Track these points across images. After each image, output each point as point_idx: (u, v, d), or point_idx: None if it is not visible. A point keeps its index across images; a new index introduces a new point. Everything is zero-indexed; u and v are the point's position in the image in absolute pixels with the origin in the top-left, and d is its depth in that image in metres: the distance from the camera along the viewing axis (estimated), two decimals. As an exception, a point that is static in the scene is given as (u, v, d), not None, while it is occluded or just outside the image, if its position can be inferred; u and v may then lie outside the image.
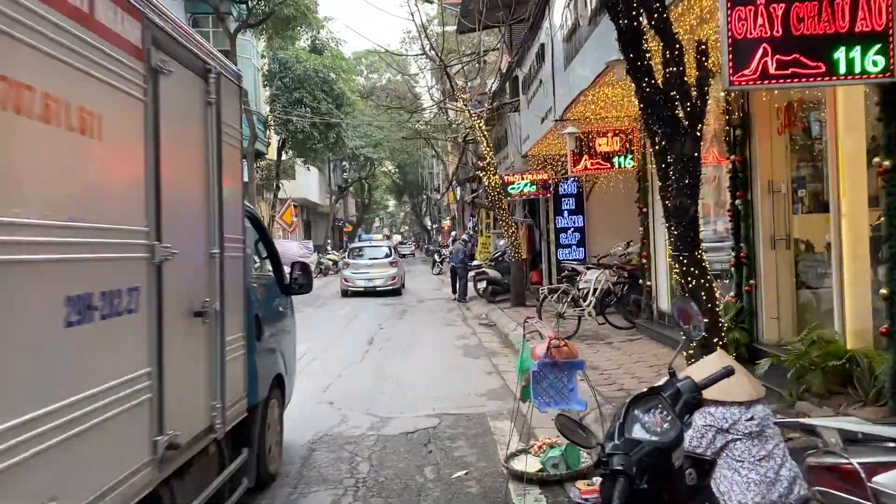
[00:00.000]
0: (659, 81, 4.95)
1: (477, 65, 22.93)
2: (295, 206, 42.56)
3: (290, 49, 27.34)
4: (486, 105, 18.31)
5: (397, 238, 78.97)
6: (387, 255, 23.67)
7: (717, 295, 5.07)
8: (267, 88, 27.81)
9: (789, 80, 4.94)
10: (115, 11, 2.85)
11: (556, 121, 11.49)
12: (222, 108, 4.07)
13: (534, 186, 16.51)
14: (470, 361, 10.60)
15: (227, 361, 4.04)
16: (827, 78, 4.92)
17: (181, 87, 3.52)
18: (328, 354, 11.66)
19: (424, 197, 72.01)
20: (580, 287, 11.77)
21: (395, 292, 22.77)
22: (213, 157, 3.93)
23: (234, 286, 4.25)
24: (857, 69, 4.84)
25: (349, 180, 55.14)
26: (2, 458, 2.12)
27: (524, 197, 17.01)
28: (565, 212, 16.33)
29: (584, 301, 11.40)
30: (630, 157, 11.37)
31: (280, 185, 28.71)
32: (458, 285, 20.16)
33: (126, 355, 2.92)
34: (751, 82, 4.95)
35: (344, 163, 53.82)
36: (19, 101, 2.23)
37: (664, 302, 10.87)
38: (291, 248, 38.21)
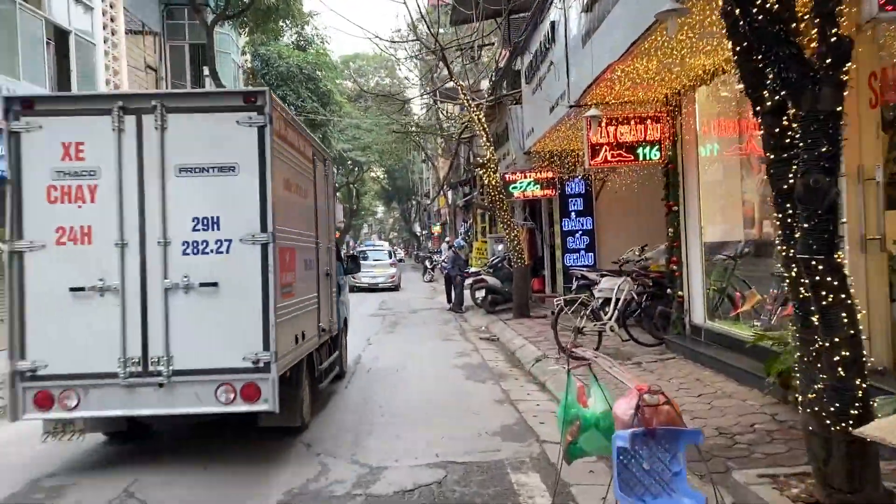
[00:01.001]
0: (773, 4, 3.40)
1: (473, 59, 21.45)
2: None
3: (272, 45, 25.75)
4: (484, 97, 16.72)
5: (384, 244, 77.26)
6: (388, 258, 28.93)
7: (858, 318, 3.54)
8: (248, 87, 26.23)
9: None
10: (306, 146, 7.31)
11: (571, 106, 9.98)
12: (330, 176, 9.01)
13: (538, 186, 15.00)
14: (474, 386, 9.03)
15: (334, 301, 8.82)
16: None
17: (320, 168, 8.16)
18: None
19: (414, 203, 70.57)
20: (595, 297, 10.23)
21: (395, 288, 27.26)
22: (329, 200, 8.88)
23: (334, 263, 9.01)
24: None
25: (336, 185, 53.49)
26: (290, 313, 6.23)
27: (526, 198, 15.48)
28: (573, 213, 14.82)
29: (605, 313, 9.86)
30: (656, 147, 9.87)
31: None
32: (452, 294, 18.59)
33: (312, 285, 7.38)
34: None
35: (333, 169, 52.30)
36: (289, 186, 6.48)
37: (699, 314, 9.36)
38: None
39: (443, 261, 22.73)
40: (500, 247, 19.63)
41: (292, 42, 27.79)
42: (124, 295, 5.66)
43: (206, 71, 21.95)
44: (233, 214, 5.68)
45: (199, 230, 5.70)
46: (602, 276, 12.28)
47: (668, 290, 10.04)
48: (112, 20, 16.39)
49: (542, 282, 18.02)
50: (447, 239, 28.26)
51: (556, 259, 16.12)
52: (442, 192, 42.06)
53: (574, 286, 13.94)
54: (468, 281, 17.50)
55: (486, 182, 14.64)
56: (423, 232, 70.54)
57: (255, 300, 5.64)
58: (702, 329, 9.26)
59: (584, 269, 14.05)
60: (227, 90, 12.18)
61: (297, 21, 27.01)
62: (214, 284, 5.66)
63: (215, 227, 5.71)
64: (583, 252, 14.73)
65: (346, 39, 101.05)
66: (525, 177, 14.92)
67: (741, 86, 4.03)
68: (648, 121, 9.88)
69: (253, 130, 5.66)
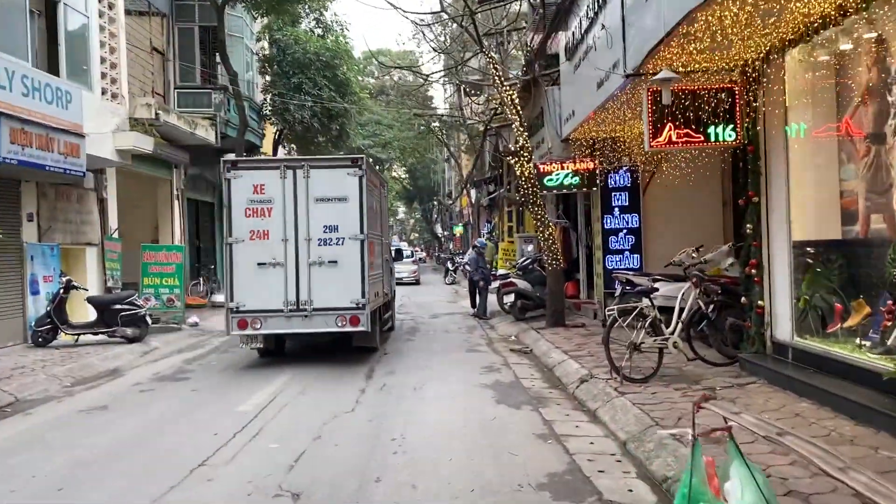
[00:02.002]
0: None
1: (502, 44, 19.80)
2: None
3: (289, 30, 24.26)
4: (515, 83, 15.00)
5: (404, 245, 75.80)
6: (409, 257, 35.85)
7: None
8: (264, 76, 24.77)
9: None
10: (377, 180, 12.72)
11: (628, 76, 8.30)
12: (385, 193, 14.14)
13: (576, 178, 13.30)
14: (508, 413, 7.38)
15: (390, 277, 14.04)
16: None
17: (382, 192, 13.53)
18: (306, 397, 8.49)
19: (435, 203, 69.08)
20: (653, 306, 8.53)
21: (416, 283, 32.60)
22: (385, 210, 14.03)
23: (391, 252, 15.53)
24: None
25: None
26: (372, 279, 10.73)
27: (561, 192, 13.80)
28: (616, 209, 13.10)
29: (667, 326, 8.16)
30: (731, 126, 8.17)
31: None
32: (477, 299, 16.96)
33: (380, 265, 12.04)
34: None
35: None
36: (371, 207, 10.95)
37: (785, 329, 7.65)
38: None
39: (465, 262, 21.23)
40: (530, 247, 17.97)
41: (310, 29, 26.28)
42: (286, 267, 10.34)
43: (217, 58, 20.56)
44: (345, 224, 10.38)
45: (327, 232, 10.39)
46: (654, 280, 10.63)
47: (742, 299, 8.31)
48: (109, -7, 14.97)
49: (576, 286, 16.32)
50: (479, 239, 26.55)
51: (593, 261, 14.42)
52: (465, 191, 40.46)
53: (617, 292, 12.28)
54: (494, 284, 15.86)
55: (517, 173, 12.97)
56: (445, 233, 69.11)
57: (356, 270, 10.35)
58: (788, 347, 7.54)
59: (630, 272, 12.34)
60: (342, 157, 17.48)
61: (315, 5, 25.54)
62: (335, 262, 10.36)
63: (336, 230, 10.40)
64: (627, 254, 13.02)
65: (370, 33, 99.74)
66: (562, 168, 13.24)
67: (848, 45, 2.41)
68: (722, 94, 8.18)
69: (356, 178, 10.43)
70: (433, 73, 21.63)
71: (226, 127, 21.15)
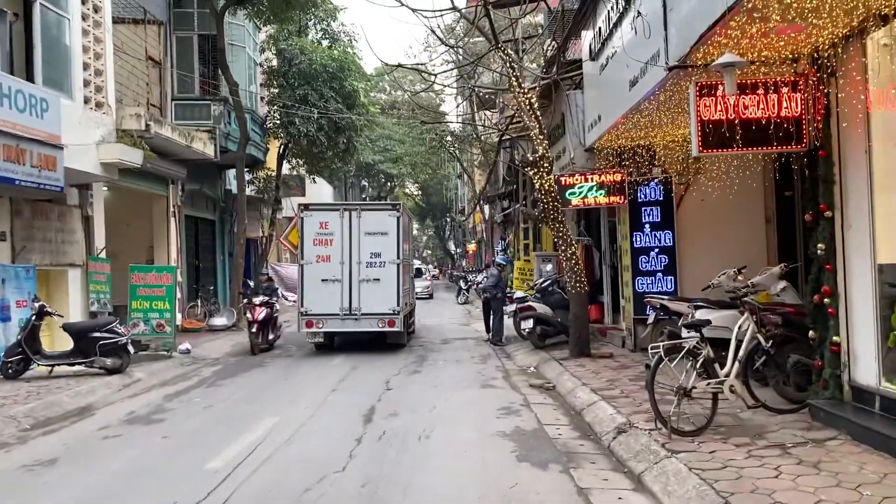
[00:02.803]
0: None
1: (517, 52, 18.59)
2: (305, 226, 38.49)
3: (294, 40, 23.21)
4: (536, 77, 13.67)
5: (418, 262, 74.32)
6: (421, 274, 36.60)
7: None
8: (269, 88, 23.70)
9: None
10: (407, 216, 16.72)
11: (672, 68, 7.02)
12: (411, 227, 20.09)
13: (602, 191, 11.99)
14: (532, 475, 6.03)
15: (413, 291, 19.29)
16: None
17: (410, 224, 19.33)
18: (292, 447, 7.19)
19: (448, 220, 67.94)
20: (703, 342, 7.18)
21: (430, 297, 35.09)
22: (410, 239, 19.02)
23: (412, 270, 19.35)
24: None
25: (365, 199, 50.95)
26: (404, 293, 14.67)
27: (586, 206, 12.50)
28: (647, 226, 11.78)
29: (720, 366, 6.80)
30: (796, 127, 6.85)
31: (279, 198, 24.38)
32: (492, 322, 15.64)
33: (408, 281, 16.07)
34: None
35: (363, 181, 49.89)
36: (405, 239, 15.47)
37: (869, 371, 6.27)
38: (297, 273, 33.89)
39: (481, 281, 19.77)
40: (549, 266, 16.65)
41: (316, 40, 25.22)
42: (342, 282, 14.21)
43: (218, 69, 19.51)
44: (386, 251, 14.24)
45: (372, 258, 14.25)
46: (696, 307, 9.30)
47: (810, 333, 6.95)
48: (95, -6, 13.90)
49: (600, 310, 14.96)
50: (500, 255, 25.35)
51: (620, 283, 13.08)
52: (478, 207, 39.22)
53: (650, 319, 10.95)
54: (510, 308, 14.52)
55: (536, 186, 11.68)
56: (458, 250, 67.92)
57: (393, 286, 14.16)
58: (874, 394, 6.17)
59: (665, 297, 11.00)
60: (386, 203, 24.18)
61: (323, 15, 24.52)
62: (378, 279, 14.17)
63: (379, 256, 14.25)
64: (659, 275, 11.66)
65: (380, 47, 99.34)
66: (586, 180, 11.94)
67: None
68: (784, 88, 6.87)
69: (394, 218, 14.42)
70: (442, 73, 20.26)
71: (226, 140, 20.05)
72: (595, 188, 12.00)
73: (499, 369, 11.97)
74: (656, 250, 11.71)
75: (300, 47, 22.69)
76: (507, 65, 11.17)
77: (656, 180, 11.63)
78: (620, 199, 11.86)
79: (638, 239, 11.80)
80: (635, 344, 11.92)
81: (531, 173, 11.54)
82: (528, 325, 13.34)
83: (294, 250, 31.71)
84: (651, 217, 11.72)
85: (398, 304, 14.23)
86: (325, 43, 25.03)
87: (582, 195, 12.07)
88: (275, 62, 23.93)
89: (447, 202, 64.30)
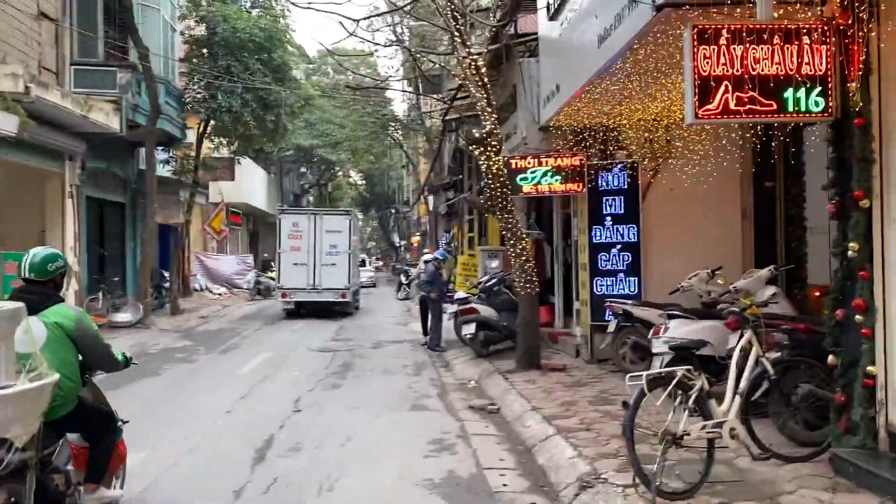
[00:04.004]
0: None
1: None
2: (235, 214, 35.97)
3: (217, 5, 20.88)
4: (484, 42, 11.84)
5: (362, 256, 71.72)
6: (365, 264, 37.64)
7: None
8: (190, 59, 21.30)
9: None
10: (358, 219, 37.24)
11: (661, 6, 5.32)
12: (359, 225, 36.76)
13: (558, 177, 10.31)
14: (467, 561, 4.28)
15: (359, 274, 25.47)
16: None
17: (358, 224, 31.54)
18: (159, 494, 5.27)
19: (393, 211, 65.96)
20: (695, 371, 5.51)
21: (373, 285, 37.13)
22: (356, 233, 24.13)
23: (358, 259, 27.21)
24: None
25: (305, 186, 48.56)
26: (354, 273, 21.87)
27: (540, 193, 10.81)
28: (608, 219, 10.15)
29: (715, 400, 5.15)
30: (819, 90, 5.23)
31: (198, 180, 22.03)
32: (430, 324, 13.87)
33: (356, 265, 24.15)
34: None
35: (302, 167, 47.43)
36: (353, 235, 23.89)
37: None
38: (224, 264, 31.36)
39: (418, 277, 18.12)
40: (496, 263, 14.94)
41: (245, 8, 22.89)
42: (308, 266, 19.72)
43: (128, 36, 17.14)
44: (340, 244, 20.06)
45: (331, 249, 19.94)
46: (670, 316, 7.70)
47: (830, 359, 5.35)
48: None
49: (550, 312, 13.33)
50: (426, 251, 24.34)
51: (577, 283, 11.48)
52: (422, 198, 37.41)
53: (610, 327, 9.35)
54: (451, 308, 12.75)
55: (483, 168, 9.91)
56: (402, 243, 66.06)
57: (345, 269, 19.92)
58: (926, 445, 4.60)
59: (629, 301, 9.40)
60: (341, 210, 27.24)
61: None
62: (334, 264, 19.76)
63: (335, 248, 19.98)
64: (622, 276, 10.05)
65: (322, 28, 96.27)
66: (540, 163, 10.25)
67: None
68: (805, 38, 5.24)
69: (346, 220, 20.98)
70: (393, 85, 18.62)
71: (134, 113, 17.70)
72: (550, 173, 10.30)
73: (434, 383, 10.17)
74: (618, 247, 10.10)
75: (223, 14, 20.38)
76: (450, 14, 9.30)
77: (620, 165, 10.01)
78: (578, 186, 10.20)
79: (598, 233, 10.16)
80: (592, 354, 10.31)
81: (477, 153, 9.75)
82: (469, 329, 11.58)
83: (217, 237, 29.59)
84: (613, 208, 10.09)
85: (349, 282, 20.21)
86: (254, 12, 22.72)
87: (535, 181, 10.36)
88: (197, 31, 21.56)
89: (391, 192, 62.28)
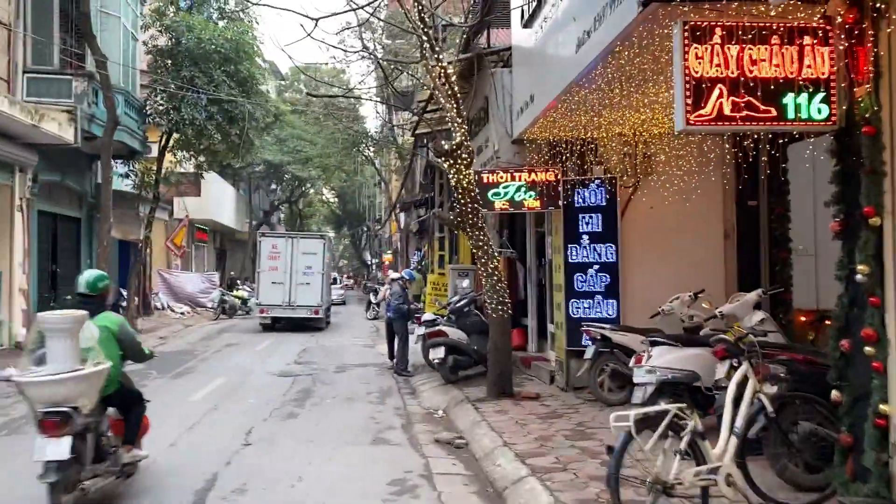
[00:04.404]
0: None
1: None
2: (202, 230, 34.99)
3: (181, 15, 20.19)
4: (452, 56, 11.32)
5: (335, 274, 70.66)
6: (337, 282, 39.87)
7: None
8: (153, 70, 20.54)
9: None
10: (331, 243, 39.98)
11: (647, 1, 4.80)
12: (332, 247, 43.69)
13: (531, 193, 9.76)
14: None
15: (330, 292, 27.02)
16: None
17: (331, 245, 35.40)
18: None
19: (365, 229, 65.17)
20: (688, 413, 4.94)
21: (343, 303, 38.17)
22: (332, 256, 39.73)
23: (330, 279, 28.01)
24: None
25: (275, 203, 47.60)
26: (326, 292, 23.81)
27: (510, 211, 10.25)
28: (584, 237, 9.60)
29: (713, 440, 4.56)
30: (822, 95, 4.72)
31: (158, 194, 21.17)
32: (396, 346, 13.19)
33: (328, 284, 25.66)
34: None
35: (272, 184, 46.53)
36: (329, 256, 34.24)
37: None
38: (188, 281, 30.13)
39: (386, 297, 17.03)
40: (466, 282, 14.33)
41: (211, 18, 22.19)
42: (285, 284, 21.41)
43: (86, 44, 16.34)
44: (315, 265, 21.89)
45: (307, 269, 21.76)
46: (652, 342, 7.15)
47: (834, 394, 4.80)
48: None
49: (523, 335, 12.73)
50: (390, 272, 24.13)
51: (549, 304, 10.90)
52: (394, 215, 36.76)
53: (588, 353, 8.79)
54: (419, 330, 12.07)
55: (453, 182, 9.31)
56: (374, 261, 65.23)
57: (318, 288, 21.69)
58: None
59: (606, 326, 8.84)
60: (316, 234, 32.20)
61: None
62: (308, 283, 21.53)
63: (310, 268, 21.80)
64: (599, 298, 9.48)
65: (296, 47, 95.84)
66: (512, 178, 9.69)
67: None
68: (807, 38, 4.74)
69: (321, 243, 23.12)
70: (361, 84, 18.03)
71: (90, 124, 16.90)
72: (524, 188, 9.75)
73: (399, 413, 9.47)
74: (596, 267, 9.54)
75: (187, 24, 19.68)
76: (418, 17, 8.71)
77: (598, 181, 9.48)
78: (554, 202, 9.64)
79: (574, 253, 9.60)
80: (567, 382, 9.70)
81: (447, 165, 9.16)
82: (438, 354, 10.91)
83: (178, 252, 28.56)
84: (591, 226, 9.54)
85: (321, 300, 22.04)
86: (221, 24, 22.04)
87: (507, 196, 9.79)
88: (161, 41, 20.81)
89: (363, 210, 61.53)
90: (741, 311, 7.27)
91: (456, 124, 8.98)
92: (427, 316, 11.92)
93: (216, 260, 39.31)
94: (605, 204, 9.49)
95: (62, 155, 16.99)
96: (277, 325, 21.68)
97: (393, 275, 15.85)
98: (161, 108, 19.90)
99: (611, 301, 9.49)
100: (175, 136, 20.80)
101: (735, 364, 5.39)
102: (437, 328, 11.17)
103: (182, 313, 27.29)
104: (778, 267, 8.70)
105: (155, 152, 21.23)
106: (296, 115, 34.86)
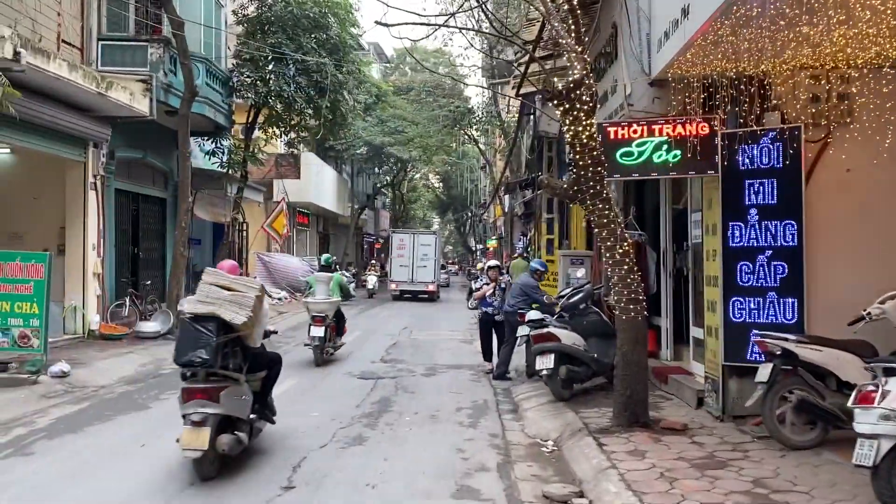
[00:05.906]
0: None
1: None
2: (302, 214, 33.93)
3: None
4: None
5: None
6: (445, 267, 45.47)
7: None
8: (239, 39, 19.15)
9: None
10: (440, 239, 46.46)
11: None
12: (439, 238, 42.45)
13: (676, 153, 7.22)
14: None
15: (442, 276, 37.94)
16: None
17: (441, 239, 45.06)
18: None
19: (469, 214, 63.29)
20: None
21: (447, 285, 42.55)
22: (440, 245, 45.80)
23: (440, 264, 37.45)
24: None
25: (378, 187, 46.37)
26: (439, 273, 37.01)
27: (646, 178, 7.74)
28: (752, 212, 6.98)
29: None
30: None
31: (246, 173, 19.76)
32: (496, 347, 10.92)
33: (439, 269, 41.03)
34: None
35: (375, 169, 45.29)
36: (438, 248, 37.48)
37: None
38: (292, 265, 28.85)
39: (479, 287, 13.03)
40: (581, 272, 11.84)
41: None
42: (409, 267, 31.50)
43: (162, 7, 14.98)
44: (430, 253, 31.62)
45: (424, 256, 31.57)
46: (887, 371, 4.56)
47: None
48: None
49: (654, 338, 10.14)
50: (483, 259, 21.63)
51: (690, 301, 8.35)
52: (497, 198, 34.49)
53: (762, 374, 6.24)
54: (522, 331, 9.71)
55: (568, 137, 6.90)
56: (479, 247, 63.27)
57: (432, 270, 31.72)
58: None
59: (791, 337, 6.25)
60: (430, 231, 41.66)
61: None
62: (426, 266, 31.49)
63: (426, 256, 31.58)
64: (774, 296, 6.86)
65: (406, 29, 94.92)
66: (650, 132, 7.21)
67: None
68: None
69: (434, 237, 33.04)
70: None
71: (167, 94, 15.57)
72: (666, 147, 7.22)
73: (495, 444, 7.19)
74: (768, 253, 6.90)
75: (273, -15, 18.09)
76: None
77: (772, 133, 6.82)
78: (709, 165, 7.07)
79: (737, 233, 7.01)
80: (724, 407, 7.15)
81: (560, 112, 6.76)
82: (546, 363, 8.54)
83: (278, 239, 27.36)
84: (762, 197, 6.90)
85: (434, 278, 31.00)
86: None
87: (644, 157, 7.30)
88: (250, 9, 19.37)
89: (468, 194, 59.56)
90: None
91: (573, 57, 6.56)
92: (533, 314, 9.52)
93: (318, 244, 38.36)
94: (782, 166, 6.80)
95: (143, 130, 15.78)
96: (405, 296, 30.80)
97: (490, 263, 13.50)
98: (248, 80, 18.44)
99: (789, 300, 6.83)
100: (264, 112, 19.34)
101: None
102: (545, 331, 8.79)
103: (279, 299, 26.05)
104: None
105: (241, 131, 19.93)
106: (398, 95, 33.68)
